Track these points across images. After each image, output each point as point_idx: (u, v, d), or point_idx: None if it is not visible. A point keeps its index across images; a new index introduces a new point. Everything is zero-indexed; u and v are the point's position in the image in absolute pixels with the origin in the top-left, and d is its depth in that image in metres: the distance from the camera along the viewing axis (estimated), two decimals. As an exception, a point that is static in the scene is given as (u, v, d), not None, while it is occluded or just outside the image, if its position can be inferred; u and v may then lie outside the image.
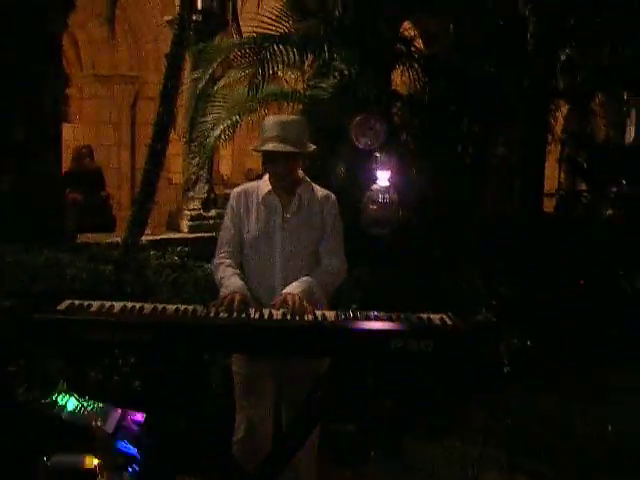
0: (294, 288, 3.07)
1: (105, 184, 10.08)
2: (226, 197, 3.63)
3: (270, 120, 3.29)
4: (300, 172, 3.36)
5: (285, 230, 3.25)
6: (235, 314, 2.89)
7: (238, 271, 3.27)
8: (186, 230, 9.21)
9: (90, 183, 9.41)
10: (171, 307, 2.93)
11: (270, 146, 3.18)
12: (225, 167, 15.91)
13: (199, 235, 8.59)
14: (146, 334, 2.75)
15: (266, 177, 3.36)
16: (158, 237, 8.29)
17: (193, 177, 9.45)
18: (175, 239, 8.27)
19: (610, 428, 5.04)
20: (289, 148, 3.17)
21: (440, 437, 4.82)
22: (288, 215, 3.27)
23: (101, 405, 3.02)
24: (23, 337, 3.72)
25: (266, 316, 2.89)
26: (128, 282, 4.95)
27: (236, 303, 2.94)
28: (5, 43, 6.73)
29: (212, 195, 9.54)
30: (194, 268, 5.64)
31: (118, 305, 2.91)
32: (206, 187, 9.50)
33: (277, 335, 2.85)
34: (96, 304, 2.90)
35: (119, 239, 6.15)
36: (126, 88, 12.74)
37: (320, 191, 3.38)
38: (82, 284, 4.67)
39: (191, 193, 9.48)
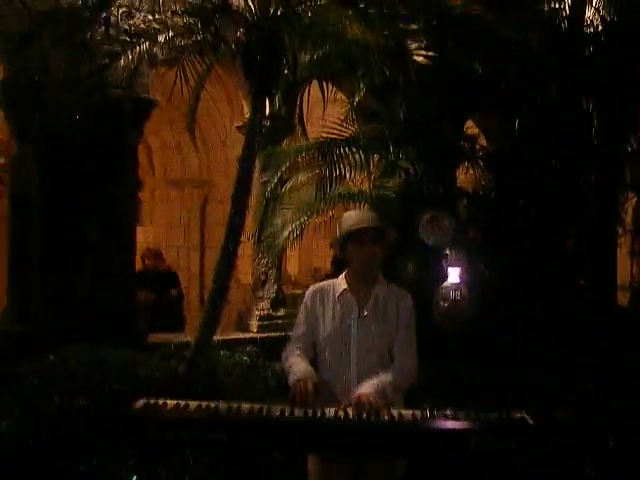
0: (367, 388, 3.04)
1: (179, 282, 10.25)
2: (294, 297, 3.68)
3: (349, 212, 3.55)
4: (376, 270, 3.39)
5: (361, 328, 3.26)
6: (310, 411, 2.86)
7: (307, 359, 3.28)
8: (255, 330, 9.27)
9: (160, 283, 9.61)
10: (246, 406, 2.92)
11: (359, 225, 3.25)
12: (292, 267, 16.04)
13: (268, 335, 8.64)
14: (223, 433, 2.74)
15: (342, 276, 3.41)
16: (228, 337, 8.37)
17: (262, 277, 9.59)
18: (245, 339, 8.33)
19: None
20: (377, 223, 3.29)
21: None
22: (365, 313, 3.29)
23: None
24: (98, 436, 3.74)
25: (341, 416, 2.85)
26: (200, 381, 4.99)
27: (309, 392, 2.96)
28: (84, 155, 7.11)
29: (280, 295, 9.63)
30: (264, 367, 5.66)
31: (193, 404, 2.92)
32: (275, 287, 9.60)
33: (353, 436, 2.81)
34: (171, 403, 2.92)
35: (189, 338, 6.23)
36: (196, 191, 13.12)
37: (396, 289, 3.41)
38: (155, 383, 4.72)
39: (260, 293, 9.59)
